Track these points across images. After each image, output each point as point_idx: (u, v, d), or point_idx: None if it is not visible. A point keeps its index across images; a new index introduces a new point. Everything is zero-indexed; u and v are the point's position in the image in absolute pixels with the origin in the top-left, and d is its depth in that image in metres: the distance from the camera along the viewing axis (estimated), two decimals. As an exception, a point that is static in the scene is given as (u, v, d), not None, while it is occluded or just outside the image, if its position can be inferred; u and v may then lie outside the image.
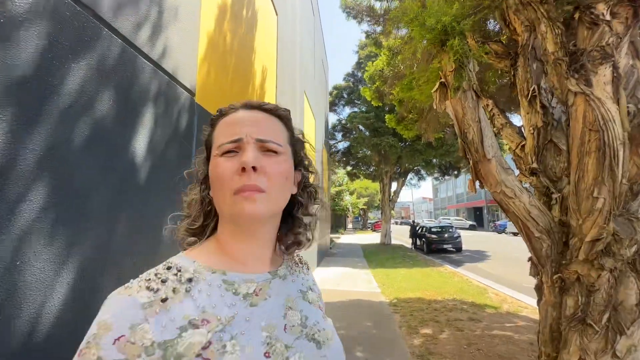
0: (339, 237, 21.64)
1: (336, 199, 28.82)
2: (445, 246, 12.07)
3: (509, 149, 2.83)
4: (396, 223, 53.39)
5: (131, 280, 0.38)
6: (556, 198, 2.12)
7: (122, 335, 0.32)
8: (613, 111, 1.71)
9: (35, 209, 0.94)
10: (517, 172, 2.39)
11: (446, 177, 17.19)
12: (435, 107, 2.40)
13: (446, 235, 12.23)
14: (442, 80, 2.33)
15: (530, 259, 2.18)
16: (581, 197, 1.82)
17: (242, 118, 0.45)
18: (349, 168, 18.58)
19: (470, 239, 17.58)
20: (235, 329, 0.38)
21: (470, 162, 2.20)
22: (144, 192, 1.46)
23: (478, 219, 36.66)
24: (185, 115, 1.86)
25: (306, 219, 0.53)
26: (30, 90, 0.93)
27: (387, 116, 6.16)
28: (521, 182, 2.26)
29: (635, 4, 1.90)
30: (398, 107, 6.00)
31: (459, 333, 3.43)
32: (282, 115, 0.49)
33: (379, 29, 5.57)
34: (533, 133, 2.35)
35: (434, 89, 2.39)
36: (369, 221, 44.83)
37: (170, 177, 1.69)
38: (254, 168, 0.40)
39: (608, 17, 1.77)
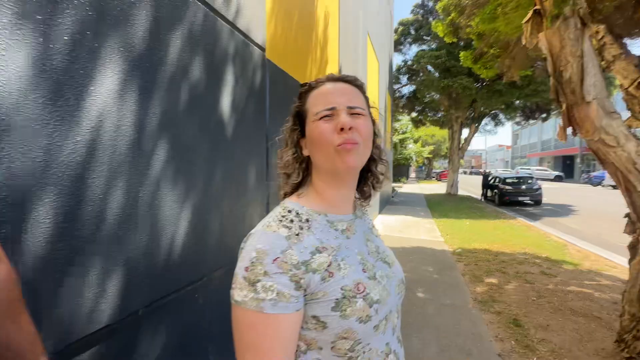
0: (400, 187, 21.35)
1: (399, 148, 27.79)
2: (521, 198, 11.04)
3: (620, 86, 2.36)
4: (465, 173, 49.78)
5: (267, 220, 0.53)
6: (676, 147, 1.78)
7: (277, 257, 0.47)
8: None
9: (162, 160, 1.20)
10: (625, 115, 2.02)
11: (530, 122, 14.97)
12: (524, 42, 2.07)
13: (523, 186, 11.11)
14: (537, 7, 1.95)
15: (627, 215, 1.95)
16: None
17: (332, 90, 0.56)
18: (414, 114, 17.40)
19: (554, 192, 15.67)
20: (342, 254, 0.53)
21: (564, 105, 1.93)
22: (230, 145, 1.68)
23: (567, 169, 31.89)
24: (258, 72, 1.98)
25: (378, 171, 0.64)
26: (146, 63, 1.12)
27: (461, 54, 5.45)
28: (630, 127, 1.92)
29: None
30: (476, 42, 5.24)
31: (527, 285, 3.35)
32: (359, 85, 0.59)
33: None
34: (657, 66, 1.91)
35: (526, 18, 2.04)
36: (433, 170, 42.69)
37: (249, 131, 1.89)
38: (350, 128, 0.51)
39: None
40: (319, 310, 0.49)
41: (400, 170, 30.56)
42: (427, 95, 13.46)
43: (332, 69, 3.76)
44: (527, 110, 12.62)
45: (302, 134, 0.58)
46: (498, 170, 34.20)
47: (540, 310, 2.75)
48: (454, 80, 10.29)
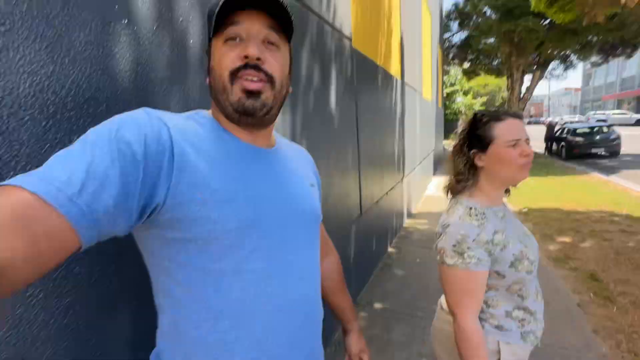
0: (450, 144, 20.44)
1: (447, 102, 26.03)
2: (594, 150, 10.04)
3: None
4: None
5: (458, 214, 0.83)
6: None
7: (474, 239, 0.78)
8: None
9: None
10: None
11: (609, 60, 12.96)
12: (623, 1, 1.96)
13: (597, 137, 10.02)
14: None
15: None
16: None
17: (517, 125, 0.83)
18: (465, 65, 16.00)
19: (636, 139, 13.85)
20: (508, 232, 0.82)
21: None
22: (333, 130, 1.98)
23: (653, 110, 27.31)
24: (349, 62, 2.20)
25: None
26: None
27: (533, 0, 4.93)
28: None
29: None
30: (551, -19, 4.67)
31: (605, 243, 3.37)
32: (521, 117, 0.87)
33: None
34: None
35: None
36: (486, 124, 39.39)
37: (345, 118, 2.17)
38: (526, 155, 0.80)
39: None
40: (499, 267, 0.81)
41: (449, 127, 28.87)
42: (483, 42, 12.24)
43: (396, 39, 3.77)
44: (608, 47, 10.92)
45: (475, 149, 0.86)
46: (564, 118, 30.49)
47: (619, 266, 2.83)
48: (517, 23, 9.21)
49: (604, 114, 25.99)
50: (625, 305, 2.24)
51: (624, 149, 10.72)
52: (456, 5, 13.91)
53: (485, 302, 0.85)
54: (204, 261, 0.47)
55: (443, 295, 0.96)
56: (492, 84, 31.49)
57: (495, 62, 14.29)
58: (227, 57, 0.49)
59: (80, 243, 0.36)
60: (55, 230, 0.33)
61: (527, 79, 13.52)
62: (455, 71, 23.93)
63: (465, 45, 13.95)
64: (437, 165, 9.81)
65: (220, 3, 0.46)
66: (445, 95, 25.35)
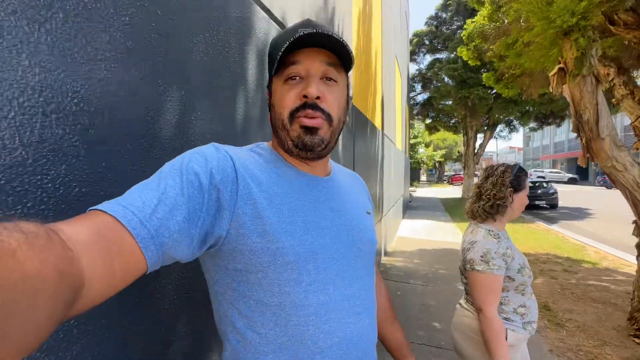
0: (414, 191, 21.85)
1: (411, 152, 28.29)
2: (537, 202, 11.48)
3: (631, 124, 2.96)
4: (476, 175, 49.84)
5: (483, 234, 1.18)
6: (669, 170, 2.38)
7: (496, 251, 1.13)
8: None
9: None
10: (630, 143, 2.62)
11: (544, 127, 15.37)
12: (551, 89, 2.70)
13: (539, 191, 11.53)
14: (561, 65, 2.59)
15: (634, 222, 2.55)
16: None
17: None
18: (428, 121, 17.96)
19: (569, 195, 15.97)
20: (514, 250, 1.18)
21: (583, 139, 2.56)
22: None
23: (582, 171, 31.81)
24: (350, 116, 2.66)
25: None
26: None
27: (484, 75, 6.05)
28: (637, 149, 2.53)
29: None
30: (497, 64, 5.83)
31: (552, 280, 3.92)
32: None
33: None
34: (656, 107, 2.51)
35: (552, 72, 2.67)
36: (445, 174, 42.92)
37: (345, 161, 2.56)
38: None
39: None
40: (510, 273, 1.15)
41: (412, 174, 30.99)
42: (442, 103, 14.04)
43: (379, 97, 4.43)
44: (542, 116, 13.07)
45: (512, 189, 1.21)
46: (510, 173, 34.17)
47: (565, 299, 3.34)
48: (470, 91, 10.87)
49: (542, 171, 29.69)
50: (572, 329, 2.67)
51: (561, 203, 12.34)
52: (420, 70, 16.06)
53: (500, 302, 1.16)
54: (262, 294, 0.48)
55: (463, 296, 1.32)
56: (450, 139, 35.03)
57: (452, 121, 16.25)
58: (287, 97, 0.52)
59: (146, 265, 0.37)
60: (127, 251, 0.35)
61: (480, 137, 15.47)
62: (419, 125, 26.51)
63: (427, 104, 15.84)
64: (406, 209, 10.53)
65: (282, 48, 0.49)
66: (410, 146, 27.77)
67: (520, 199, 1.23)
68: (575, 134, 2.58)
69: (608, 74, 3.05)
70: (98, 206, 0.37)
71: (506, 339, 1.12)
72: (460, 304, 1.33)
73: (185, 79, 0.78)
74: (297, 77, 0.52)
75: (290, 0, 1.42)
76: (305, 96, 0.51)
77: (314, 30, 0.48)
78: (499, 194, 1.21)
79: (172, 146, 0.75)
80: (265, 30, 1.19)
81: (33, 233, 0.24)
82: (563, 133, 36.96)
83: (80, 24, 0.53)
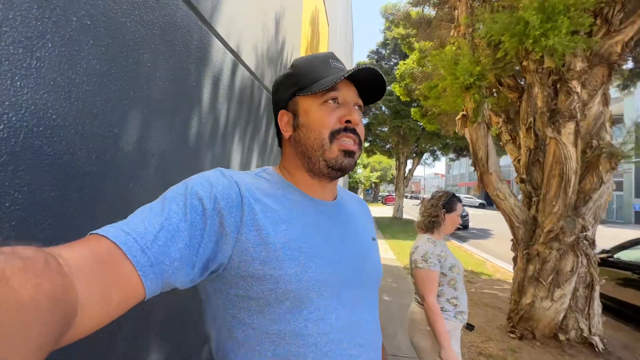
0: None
1: (350, 172, 29.84)
2: (453, 223, 13.13)
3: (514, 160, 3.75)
4: (406, 197, 54.66)
5: (423, 241, 1.51)
6: (534, 200, 3.11)
7: (432, 252, 1.48)
8: (572, 152, 2.64)
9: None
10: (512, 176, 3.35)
11: (461, 158, 17.86)
12: (457, 130, 3.33)
13: (455, 213, 13.23)
14: (464, 112, 3.24)
15: (512, 240, 3.24)
16: (546, 204, 2.81)
17: (461, 207, 1.56)
18: (366, 144, 19.39)
19: (478, 218, 18.59)
20: (447, 253, 1.54)
21: (478, 172, 3.19)
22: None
23: (488, 197, 37.29)
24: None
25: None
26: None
27: (412, 110, 6.99)
28: (518, 182, 3.24)
29: (610, 64, 2.75)
30: (423, 102, 6.80)
31: (458, 290, 4.59)
32: None
33: (413, 32, 6.20)
34: (527, 152, 3.28)
35: (458, 117, 3.31)
36: (379, 194, 46.09)
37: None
38: None
39: (578, 89, 2.63)
40: (443, 270, 1.48)
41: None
42: (379, 129, 15.42)
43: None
44: (459, 149, 15.24)
45: (445, 209, 1.55)
46: (434, 197, 38.37)
47: (466, 305, 3.96)
48: (402, 122, 12.21)
49: (459, 196, 34.07)
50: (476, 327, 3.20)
51: (472, 224, 14.35)
52: (361, 97, 17.37)
53: (437, 294, 1.47)
54: (263, 322, 0.47)
55: (413, 299, 1.61)
56: (385, 163, 38.06)
57: (387, 146, 17.86)
58: (328, 118, 0.53)
59: (144, 294, 0.36)
60: (125, 279, 0.34)
61: (410, 162, 17.27)
62: (358, 147, 28.23)
63: (365, 129, 17.17)
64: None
65: (342, 78, 0.51)
66: (349, 165, 29.31)
67: (452, 218, 1.59)
68: (473, 168, 3.21)
69: (498, 122, 3.87)
70: (99, 230, 0.36)
71: None
72: (410, 307, 1.64)
73: (148, 100, 0.89)
74: (336, 102, 0.54)
75: (245, 33, 1.60)
76: (348, 121, 0.53)
77: (371, 68, 0.53)
78: (433, 213, 1.58)
79: (130, 159, 0.85)
80: (221, 59, 1.34)
81: (31, 259, 0.24)
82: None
83: (65, 54, 0.64)
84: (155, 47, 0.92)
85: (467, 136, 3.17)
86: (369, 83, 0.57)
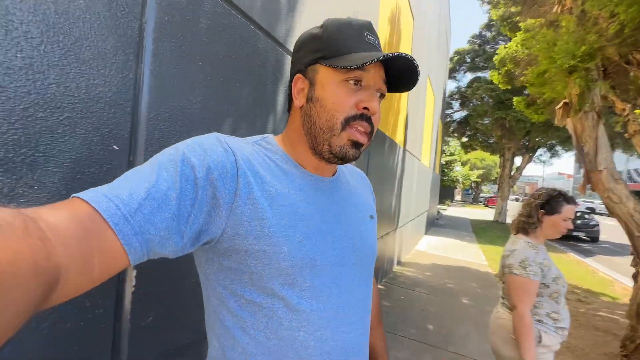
0: (445, 209, 21.33)
1: (445, 170, 27.59)
2: (575, 233, 10.82)
3: (641, 154, 3.03)
4: (517, 200, 46.88)
5: (522, 245, 1.40)
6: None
7: (533, 259, 1.31)
8: None
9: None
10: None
11: (592, 155, 14.41)
12: (556, 122, 2.90)
13: (578, 222, 10.89)
14: (566, 100, 2.79)
15: (631, 253, 2.66)
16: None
17: (573, 209, 1.42)
18: (464, 139, 17.63)
19: (617, 229, 14.70)
20: (550, 262, 1.36)
21: (584, 170, 2.73)
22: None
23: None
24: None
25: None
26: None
27: (515, 99, 6.11)
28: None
29: None
30: (529, 89, 5.89)
31: (561, 307, 3.94)
32: None
33: (514, 10, 5.43)
34: (662, 145, 2.62)
35: (558, 106, 2.88)
36: (481, 195, 40.99)
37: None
38: None
39: None
40: (545, 281, 1.30)
41: (446, 192, 30.10)
42: (479, 122, 13.83)
43: (402, 115, 4.77)
44: (588, 143, 12.38)
45: (544, 210, 1.39)
46: (555, 201, 31.80)
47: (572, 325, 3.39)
48: (507, 113, 10.68)
49: (592, 202, 27.38)
50: (563, 351, 2.80)
51: (606, 237, 11.52)
52: (459, 88, 15.91)
53: (534, 304, 1.31)
54: (255, 294, 0.47)
55: (499, 302, 1.49)
56: (488, 159, 33.58)
57: (490, 141, 15.83)
58: (346, 101, 0.49)
59: (128, 262, 0.36)
60: (107, 247, 0.34)
61: (518, 159, 14.92)
62: (455, 143, 25.88)
63: (464, 122, 15.62)
64: (430, 225, 10.51)
65: (372, 60, 0.45)
66: (444, 163, 27.13)
67: (553, 222, 1.37)
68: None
69: (624, 109, 3.15)
70: (82, 194, 0.35)
71: (540, 340, 1.29)
72: (495, 310, 1.50)
73: (234, 107, 1.27)
74: (359, 84, 0.49)
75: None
76: (365, 108, 0.49)
77: (408, 58, 0.48)
78: (526, 212, 1.43)
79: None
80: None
81: (9, 223, 0.24)
82: (621, 161, 33.74)
83: (184, 85, 1.03)
84: (242, 73, 1.28)
85: (570, 128, 2.73)
86: (401, 71, 0.52)
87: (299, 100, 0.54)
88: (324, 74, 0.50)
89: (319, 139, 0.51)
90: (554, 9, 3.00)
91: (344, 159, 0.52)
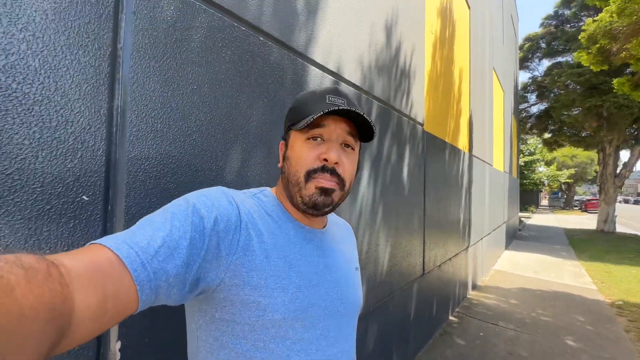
0: (529, 217, 18.47)
1: (525, 171, 24.16)
2: None
3: None
4: (626, 202, 38.38)
5: None
6: None
7: None
8: None
9: (378, 212, 1.97)
10: None
11: None
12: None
13: None
14: None
15: None
16: None
17: None
18: (546, 135, 15.18)
19: None
20: None
21: None
22: (405, 202, 2.37)
23: None
24: (420, 142, 2.67)
25: None
26: (373, 154, 1.93)
27: (615, 81, 4.94)
28: None
29: None
30: (635, 66, 4.68)
31: None
32: None
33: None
34: None
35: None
36: (576, 198, 34.71)
37: (415, 190, 2.56)
38: None
39: None
40: None
41: (528, 197, 26.26)
42: (565, 114, 11.73)
43: (465, 117, 4.18)
44: None
45: None
46: (685, 201, 25.05)
47: None
48: (604, 99, 8.82)
49: None
50: None
51: None
52: (534, 78, 13.91)
53: None
54: (246, 347, 0.47)
55: None
56: (581, 156, 28.43)
57: (583, 134, 13.31)
58: (307, 156, 0.53)
59: (137, 307, 0.37)
60: (122, 292, 0.34)
61: (625, 154, 12.12)
62: (535, 140, 22.60)
63: (544, 116, 13.51)
64: (511, 239, 9.06)
65: (317, 115, 0.50)
66: (522, 164, 23.74)
67: None
68: None
69: None
70: (102, 240, 0.37)
71: None
72: None
73: (243, 133, 1.09)
74: (319, 139, 0.54)
75: (346, 51, 1.65)
76: (325, 159, 0.53)
77: (346, 108, 0.52)
78: None
79: (236, 185, 1.05)
80: (319, 82, 1.44)
81: (33, 268, 0.25)
82: None
83: (179, 110, 0.88)
84: (251, 90, 1.11)
85: None
86: (360, 119, 0.55)
87: (280, 162, 0.61)
88: (293, 137, 0.57)
89: (292, 192, 0.56)
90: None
91: (316, 207, 0.54)
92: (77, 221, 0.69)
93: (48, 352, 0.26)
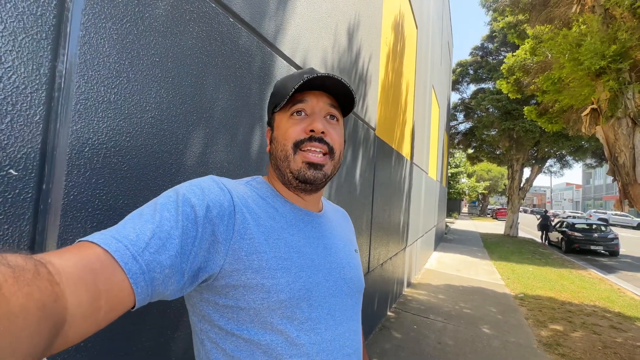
0: (453, 222, 20.76)
1: (451, 182, 27.14)
2: (593, 247, 10.29)
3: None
4: (525, 211, 45.84)
5: None
6: None
7: None
8: None
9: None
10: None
11: (604, 164, 13.99)
12: (583, 130, 2.61)
13: (595, 235, 10.37)
14: (594, 106, 2.52)
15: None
16: None
17: None
18: (470, 151, 17.30)
19: (637, 242, 14.04)
20: None
21: (619, 183, 2.42)
22: (355, 197, 2.46)
23: (654, 216, 27.84)
24: (372, 146, 2.81)
25: None
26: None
27: (525, 109, 5.87)
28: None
29: None
30: (540, 98, 5.62)
31: (594, 336, 3.52)
32: None
33: (522, 17, 5.25)
34: None
35: (584, 113, 2.60)
36: (489, 207, 40.20)
37: (365, 191, 2.67)
38: None
39: None
40: None
41: (452, 205, 29.51)
42: (485, 133, 13.54)
43: (408, 127, 4.52)
44: (600, 153, 11.97)
45: None
46: (566, 212, 31.04)
47: (606, 358, 2.98)
48: (515, 123, 10.41)
49: (604, 212, 26.55)
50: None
51: (625, 251, 10.94)
52: (462, 99, 15.75)
53: None
54: (253, 332, 0.47)
55: None
56: (495, 171, 33.06)
57: (497, 152, 15.49)
58: (293, 130, 0.53)
59: (134, 302, 0.36)
60: (115, 287, 0.34)
61: (528, 170, 14.49)
62: (460, 154, 25.54)
63: (469, 133, 15.35)
64: (439, 241, 10.07)
65: (295, 86, 0.51)
66: (449, 175, 26.70)
67: None
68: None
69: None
70: (90, 237, 0.36)
71: None
72: None
73: (208, 115, 1.01)
74: (303, 113, 0.54)
75: (312, 49, 1.65)
76: (312, 130, 0.53)
77: (326, 74, 0.52)
78: None
79: (195, 172, 0.97)
80: (286, 74, 1.42)
81: (20, 267, 0.24)
82: (631, 172, 32.99)
83: (137, 87, 0.78)
84: (218, 72, 1.03)
85: (600, 136, 2.44)
86: (340, 90, 0.56)
87: (268, 146, 0.60)
88: (278, 119, 0.57)
89: (282, 169, 0.55)
90: (573, 9, 2.77)
91: (306, 181, 0.54)
92: (0, 199, 0.56)
93: (42, 352, 0.25)
